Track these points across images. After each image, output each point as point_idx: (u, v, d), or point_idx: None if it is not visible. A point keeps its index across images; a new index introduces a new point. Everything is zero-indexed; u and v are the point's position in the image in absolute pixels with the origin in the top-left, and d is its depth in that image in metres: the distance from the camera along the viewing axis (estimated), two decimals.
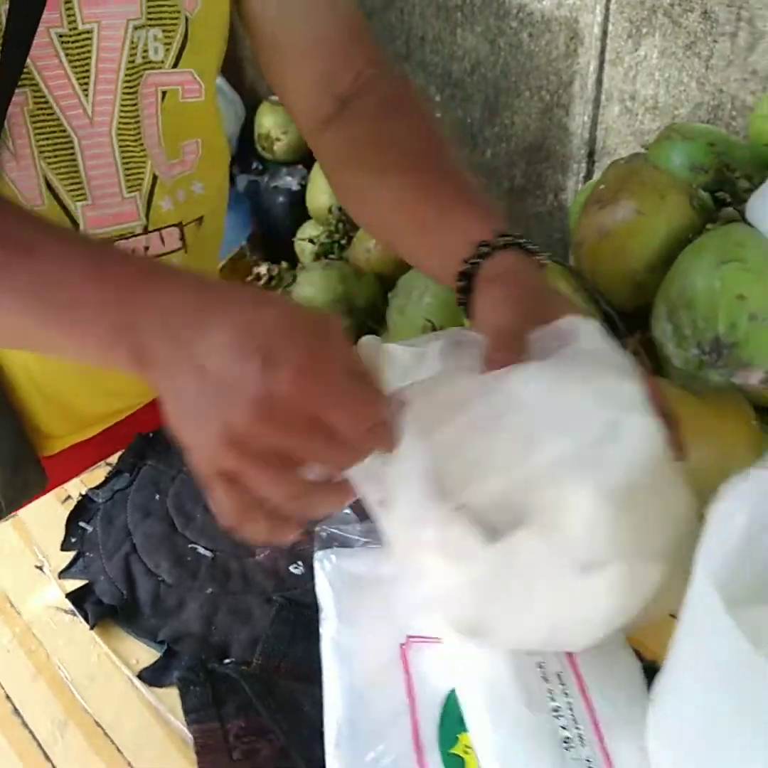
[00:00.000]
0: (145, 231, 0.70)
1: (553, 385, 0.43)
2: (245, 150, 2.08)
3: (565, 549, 0.41)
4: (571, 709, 0.48)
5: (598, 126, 1.58)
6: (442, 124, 0.70)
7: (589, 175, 1.63)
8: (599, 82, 1.53)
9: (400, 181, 0.63)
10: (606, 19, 1.46)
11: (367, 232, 0.79)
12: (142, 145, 0.66)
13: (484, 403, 0.44)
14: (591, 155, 1.61)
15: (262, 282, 1.79)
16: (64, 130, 0.63)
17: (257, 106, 2.01)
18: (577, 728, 0.47)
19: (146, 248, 0.71)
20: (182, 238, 0.73)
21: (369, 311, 1.63)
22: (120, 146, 0.66)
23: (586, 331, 0.46)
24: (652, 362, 1.14)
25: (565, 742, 0.46)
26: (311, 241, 1.82)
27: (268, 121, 1.97)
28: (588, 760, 0.46)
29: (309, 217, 1.94)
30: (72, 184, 0.65)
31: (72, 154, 0.64)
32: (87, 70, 0.62)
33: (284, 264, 1.78)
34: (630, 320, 1.15)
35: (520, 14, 1.56)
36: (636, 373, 0.45)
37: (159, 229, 0.71)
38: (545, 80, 1.60)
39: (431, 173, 0.63)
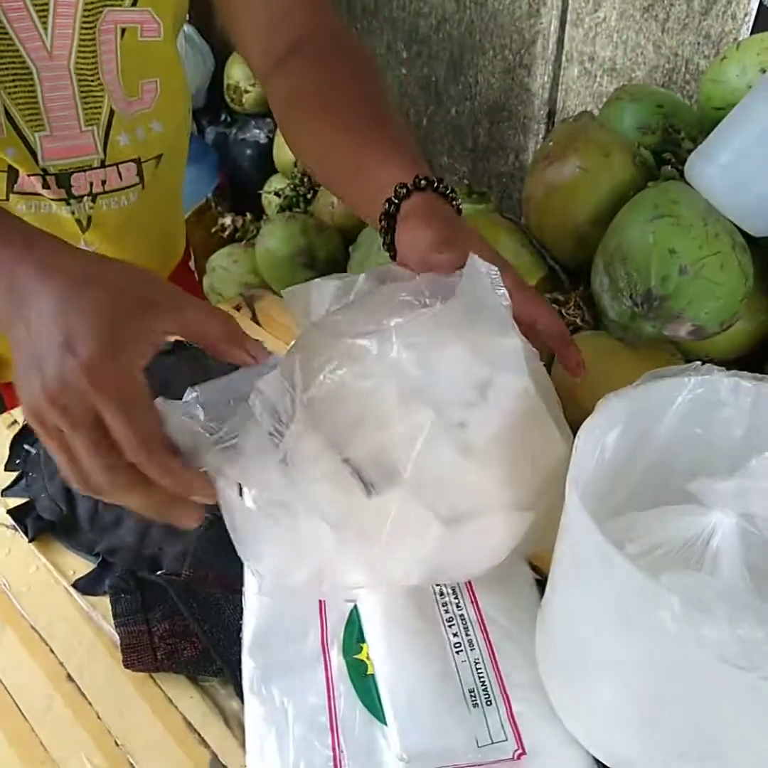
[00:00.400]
0: (103, 165, 0.73)
1: (429, 344, 0.46)
2: (214, 101, 2.07)
3: (432, 504, 0.45)
4: (462, 619, 0.53)
5: (559, 87, 1.60)
6: (381, 74, 0.72)
7: (548, 136, 1.65)
8: (560, 42, 1.55)
9: (339, 125, 0.66)
10: None
11: (310, 172, 0.82)
12: (99, 80, 0.69)
13: (363, 362, 0.46)
14: (551, 116, 1.64)
15: (226, 233, 1.80)
16: (24, 62, 0.65)
17: (228, 57, 2.00)
18: (467, 635, 0.52)
19: (103, 182, 0.73)
20: (140, 174, 0.76)
21: (330, 264, 1.65)
22: (78, 80, 0.68)
23: (475, 278, 0.48)
24: (593, 316, 1.18)
25: (455, 647, 0.51)
26: (277, 194, 1.84)
27: (237, 72, 1.96)
28: (476, 662, 0.51)
29: (276, 171, 1.95)
30: (30, 114, 0.67)
31: (31, 85, 0.66)
32: (46, 4, 0.64)
33: (249, 216, 1.80)
34: (574, 275, 1.19)
35: None
36: (513, 326, 0.48)
37: (116, 164, 0.74)
38: (509, 39, 1.61)
39: (367, 120, 0.66)
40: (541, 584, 0.56)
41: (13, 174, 0.71)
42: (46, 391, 0.42)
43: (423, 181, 0.57)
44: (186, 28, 2.00)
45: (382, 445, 0.45)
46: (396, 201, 0.57)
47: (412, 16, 1.72)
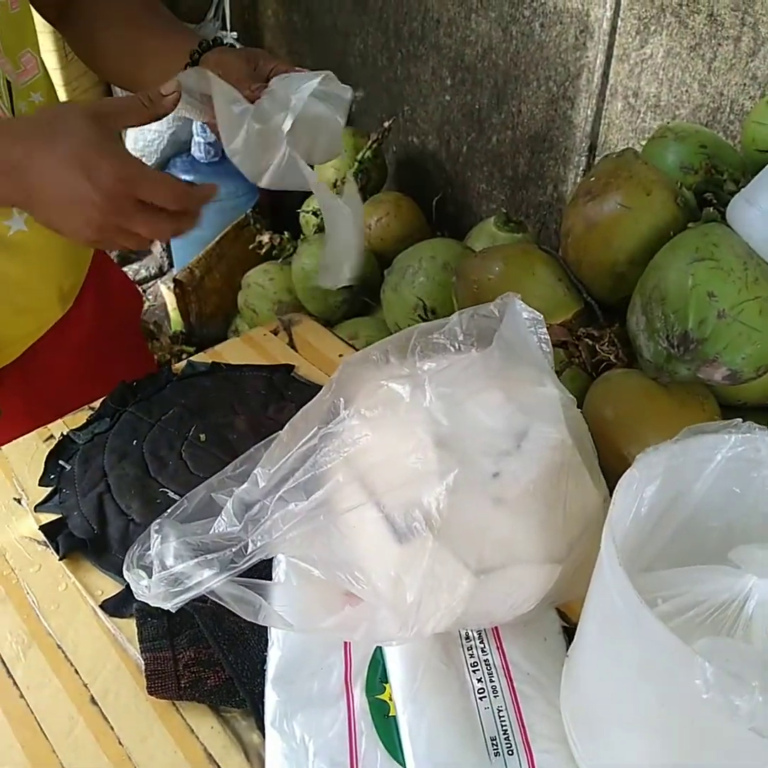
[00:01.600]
0: None
1: (463, 393, 0.46)
2: None
3: (463, 556, 0.45)
4: (487, 665, 0.52)
5: (601, 121, 1.61)
6: None
7: (588, 169, 1.65)
8: (605, 76, 1.55)
9: (126, 21, 0.82)
10: (616, 14, 1.48)
11: (108, 78, 0.95)
12: None
13: (397, 408, 0.47)
14: (592, 149, 1.64)
15: (264, 250, 1.82)
16: None
17: None
18: (491, 681, 0.51)
19: None
20: None
21: (364, 286, 1.66)
22: None
23: (515, 322, 0.49)
24: (629, 354, 1.17)
25: (479, 693, 0.51)
26: (315, 213, 1.85)
27: None
28: (499, 709, 0.50)
29: None
30: None
31: None
32: None
33: (287, 234, 1.81)
34: (610, 311, 1.19)
35: (533, 3, 1.58)
36: (550, 369, 0.48)
37: None
38: (553, 71, 1.62)
39: (148, 16, 0.83)
40: (568, 631, 0.56)
41: None
42: (99, 209, 0.58)
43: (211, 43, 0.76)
44: (235, 45, 2.03)
45: (414, 493, 0.45)
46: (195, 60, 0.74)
47: (459, 44, 1.73)
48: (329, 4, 1.95)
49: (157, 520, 0.49)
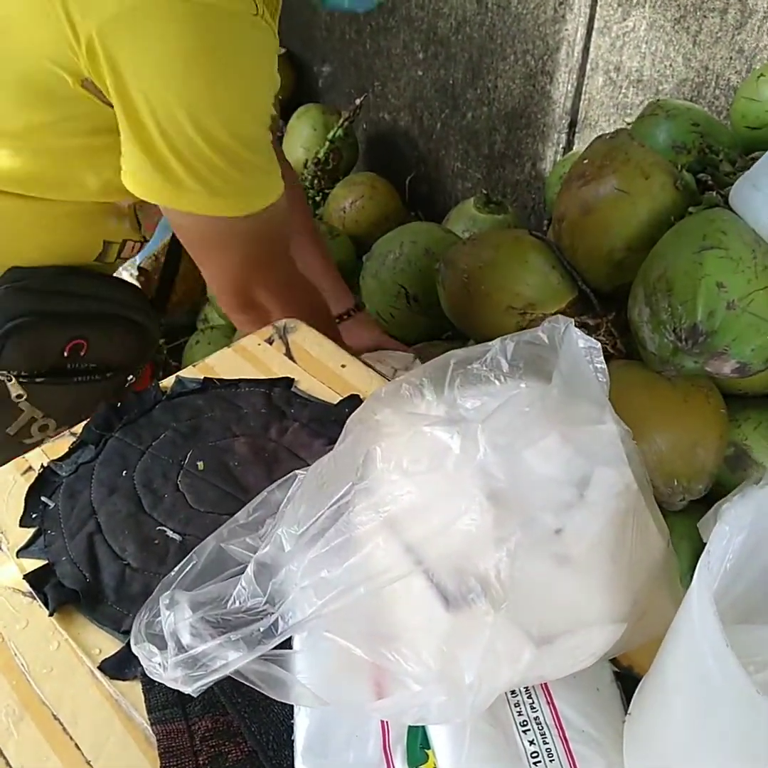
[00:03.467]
0: None
1: (520, 442, 0.40)
2: None
3: (525, 625, 0.40)
4: (538, 724, 0.47)
5: (582, 96, 1.55)
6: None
7: (568, 146, 1.60)
8: (585, 50, 1.50)
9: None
10: None
11: None
12: None
13: (445, 462, 0.41)
14: (572, 126, 1.59)
15: None
16: None
17: None
18: (545, 743, 0.47)
19: None
20: None
21: (342, 272, 1.59)
22: None
23: (573, 354, 0.43)
24: (626, 343, 1.13)
25: (532, 757, 0.46)
26: None
27: None
28: None
29: None
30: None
31: None
32: None
33: None
34: (606, 300, 1.14)
35: None
36: (609, 407, 0.43)
37: None
38: (531, 45, 1.56)
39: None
40: (620, 677, 0.51)
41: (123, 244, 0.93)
42: None
43: None
44: None
45: (468, 559, 0.39)
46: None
47: (431, 16, 1.65)
48: None
49: (167, 592, 0.43)
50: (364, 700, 0.42)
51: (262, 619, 0.42)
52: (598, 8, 1.44)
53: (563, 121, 1.58)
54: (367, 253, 1.47)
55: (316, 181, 1.74)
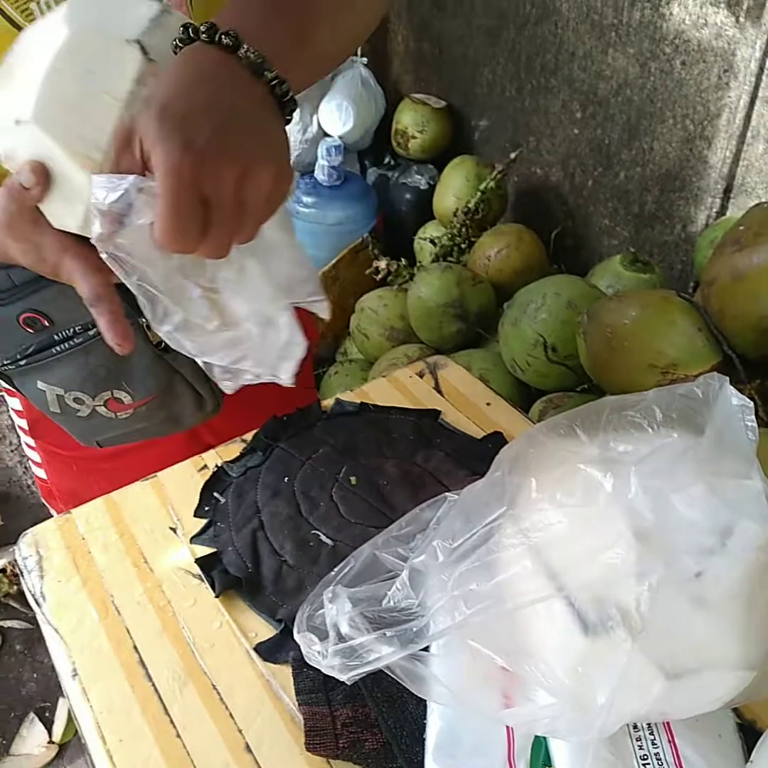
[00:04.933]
0: None
1: (669, 486, 0.43)
2: (380, 143, 2.12)
3: (658, 658, 0.43)
4: (658, 760, 0.49)
5: (740, 163, 1.55)
6: None
7: (722, 211, 1.59)
8: (747, 118, 1.50)
9: None
10: (765, 54, 1.43)
11: None
12: None
13: (596, 497, 0.44)
14: (727, 191, 1.58)
15: (379, 276, 1.83)
16: None
17: (399, 102, 2.04)
18: None
19: None
20: None
21: (481, 318, 1.65)
22: None
23: (726, 411, 0.46)
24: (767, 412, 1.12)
25: None
26: (432, 241, 1.85)
27: (407, 117, 2.00)
28: None
29: (433, 217, 1.96)
30: None
31: None
32: None
33: (404, 261, 1.81)
34: (752, 366, 1.14)
35: (675, 41, 1.54)
36: (757, 465, 0.45)
37: None
38: (691, 110, 1.57)
39: None
40: (742, 729, 0.53)
41: None
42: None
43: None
44: (363, 71, 2.06)
45: (609, 588, 0.43)
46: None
47: (593, 78, 1.70)
48: (461, 34, 1.95)
49: (329, 587, 0.48)
50: (496, 707, 0.46)
51: (414, 619, 0.46)
52: (764, 77, 1.45)
53: (718, 186, 1.58)
54: (509, 301, 1.51)
55: (464, 229, 1.80)
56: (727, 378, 0.47)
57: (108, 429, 0.76)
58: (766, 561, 0.43)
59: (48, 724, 1.56)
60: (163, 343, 0.71)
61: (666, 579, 0.42)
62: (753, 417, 0.46)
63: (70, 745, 1.54)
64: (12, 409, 0.94)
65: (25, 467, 1.81)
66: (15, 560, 0.67)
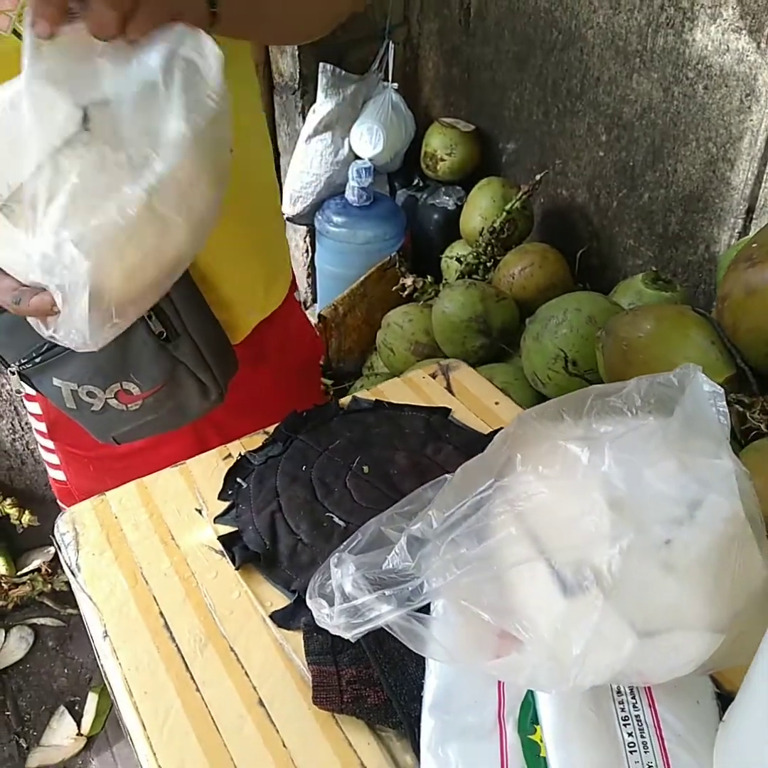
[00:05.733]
0: None
1: (641, 460, 0.47)
2: (410, 165, 2.19)
3: (630, 617, 0.46)
4: (638, 721, 0.53)
5: (762, 184, 1.58)
6: None
7: (744, 231, 1.62)
8: None
9: None
10: None
11: None
12: None
13: (574, 469, 0.48)
14: (750, 212, 1.61)
15: (406, 292, 1.88)
16: None
17: (428, 126, 2.11)
18: (642, 737, 0.52)
19: None
20: None
21: (504, 333, 1.69)
22: None
23: (697, 396, 0.50)
24: None
25: (629, 746, 0.52)
26: (458, 259, 1.90)
27: (435, 141, 2.06)
28: (649, 765, 0.51)
29: (460, 237, 2.02)
30: None
31: None
32: None
33: (429, 278, 1.87)
34: (764, 379, 1.16)
35: (698, 66, 1.58)
36: (727, 442, 0.49)
37: None
38: (714, 133, 1.61)
39: None
40: (721, 698, 0.56)
41: None
42: None
43: None
44: (393, 96, 2.13)
45: (586, 553, 0.47)
46: None
47: (617, 102, 1.75)
48: (489, 59, 2.02)
49: (336, 553, 0.53)
50: (485, 661, 0.50)
51: (411, 580, 0.51)
52: None
53: (741, 207, 1.61)
54: (531, 316, 1.55)
55: (489, 248, 1.85)
56: (700, 367, 0.51)
57: (121, 423, 0.82)
58: (733, 533, 0.47)
59: (77, 717, 1.61)
60: (165, 334, 0.77)
61: (637, 544, 0.46)
62: (724, 403, 0.50)
63: (98, 738, 1.59)
64: (30, 414, 0.99)
65: None
66: (58, 549, 0.73)
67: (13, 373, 0.80)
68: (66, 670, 1.71)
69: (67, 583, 1.77)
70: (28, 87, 0.52)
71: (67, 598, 1.79)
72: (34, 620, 1.79)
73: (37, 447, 1.88)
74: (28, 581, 1.78)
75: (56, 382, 0.79)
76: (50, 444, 1.01)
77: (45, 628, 1.78)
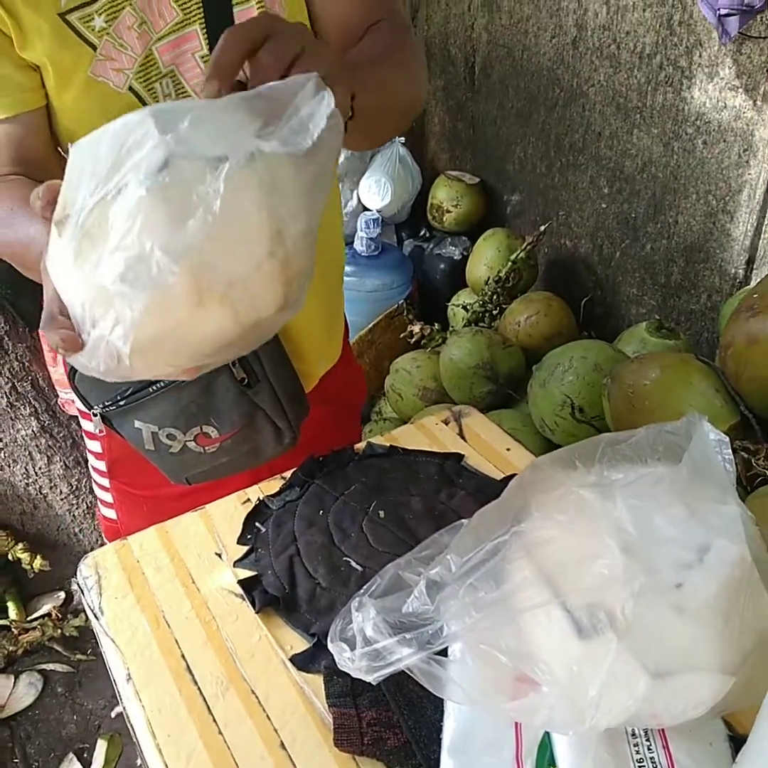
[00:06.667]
0: None
1: (651, 506, 0.50)
2: (416, 217, 2.24)
3: (643, 658, 0.48)
4: (653, 762, 0.54)
5: (762, 236, 1.62)
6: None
7: (745, 281, 1.66)
8: None
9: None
10: None
11: None
12: None
13: (587, 514, 0.51)
14: (750, 262, 1.65)
15: (414, 339, 1.92)
16: None
17: (434, 179, 2.17)
18: None
19: None
20: None
21: (510, 380, 1.72)
22: None
23: (704, 443, 0.52)
24: None
25: None
26: (465, 307, 1.94)
27: (442, 193, 2.12)
28: None
29: (466, 286, 2.06)
30: None
31: None
32: None
33: (436, 325, 1.91)
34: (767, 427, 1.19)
35: (697, 122, 1.64)
36: (733, 488, 0.51)
37: None
38: (714, 186, 1.66)
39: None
40: (733, 740, 0.57)
41: None
42: None
43: None
44: (401, 150, 2.19)
45: (600, 596, 0.49)
46: None
47: (619, 156, 1.80)
48: (494, 115, 2.08)
49: (356, 597, 0.55)
50: (502, 701, 0.51)
51: (430, 624, 0.52)
52: None
53: (741, 258, 1.65)
54: (537, 363, 1.58)
55: (495, 297, 1.89)
56: (706, 416, 0.53)
57: (197, 464, 0.85)
58: (741, 576, 0.49)
59: (86, 765, 1.60)
60: (246, 380, 0.80)
61: (648, 587, 0.48)
62: (729, 451, 0.52)
63: None
64: (90, 451, 1.02)
65: (74, 516, 1.90)
66: (74, 592, 0.75)
67: (95, 415, 0.83)
68: (75, 717, 1.70)
69: (77, 628, 1.79)
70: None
71: (76, 643, 1.79)
72: (44, 666, 1.78)
73: (81, 487, 1.86)
74: (39, 626, 1.78)
75: (137, 424, 0.82)
76: (106, 482, 1.03)
77: (54, 674, 1.78)
